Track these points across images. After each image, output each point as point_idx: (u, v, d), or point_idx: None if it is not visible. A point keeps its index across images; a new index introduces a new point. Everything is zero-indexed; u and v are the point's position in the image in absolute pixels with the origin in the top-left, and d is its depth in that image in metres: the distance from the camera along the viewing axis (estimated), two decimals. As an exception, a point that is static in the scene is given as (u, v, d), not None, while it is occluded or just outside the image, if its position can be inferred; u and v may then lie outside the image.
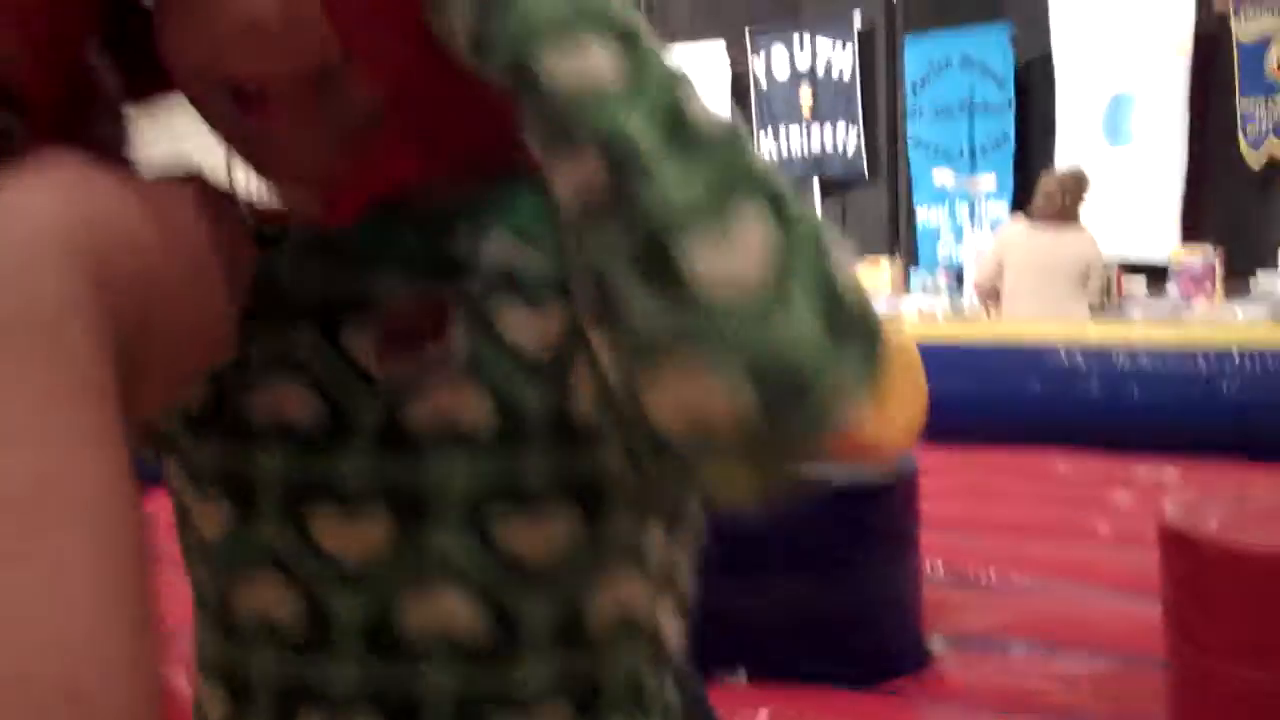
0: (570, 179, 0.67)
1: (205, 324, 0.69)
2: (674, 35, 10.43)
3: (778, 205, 0.67)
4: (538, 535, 0.81)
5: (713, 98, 9.73)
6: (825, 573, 3.23)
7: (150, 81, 0.80)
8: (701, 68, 10.24)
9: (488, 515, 0.81)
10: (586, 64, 0.66)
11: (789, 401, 0.64)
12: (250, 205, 0.85)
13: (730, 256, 0.64)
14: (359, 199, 0.80)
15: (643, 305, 0.65)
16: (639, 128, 0.66)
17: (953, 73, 9.54)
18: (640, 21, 0.70)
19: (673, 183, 0.65)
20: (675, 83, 0.69)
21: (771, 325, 0.63)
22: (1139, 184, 8.83)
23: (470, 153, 0.74)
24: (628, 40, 0.68)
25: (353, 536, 0.83)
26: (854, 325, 0.66)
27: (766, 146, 10.20)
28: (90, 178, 0.62)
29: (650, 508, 0.85)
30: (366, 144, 0.76)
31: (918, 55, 9.69)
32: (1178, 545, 2.81)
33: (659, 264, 0.65)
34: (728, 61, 10.24)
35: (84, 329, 0.55)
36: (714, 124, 0.69)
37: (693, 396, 0.64)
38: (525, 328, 0.80)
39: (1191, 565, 2.75)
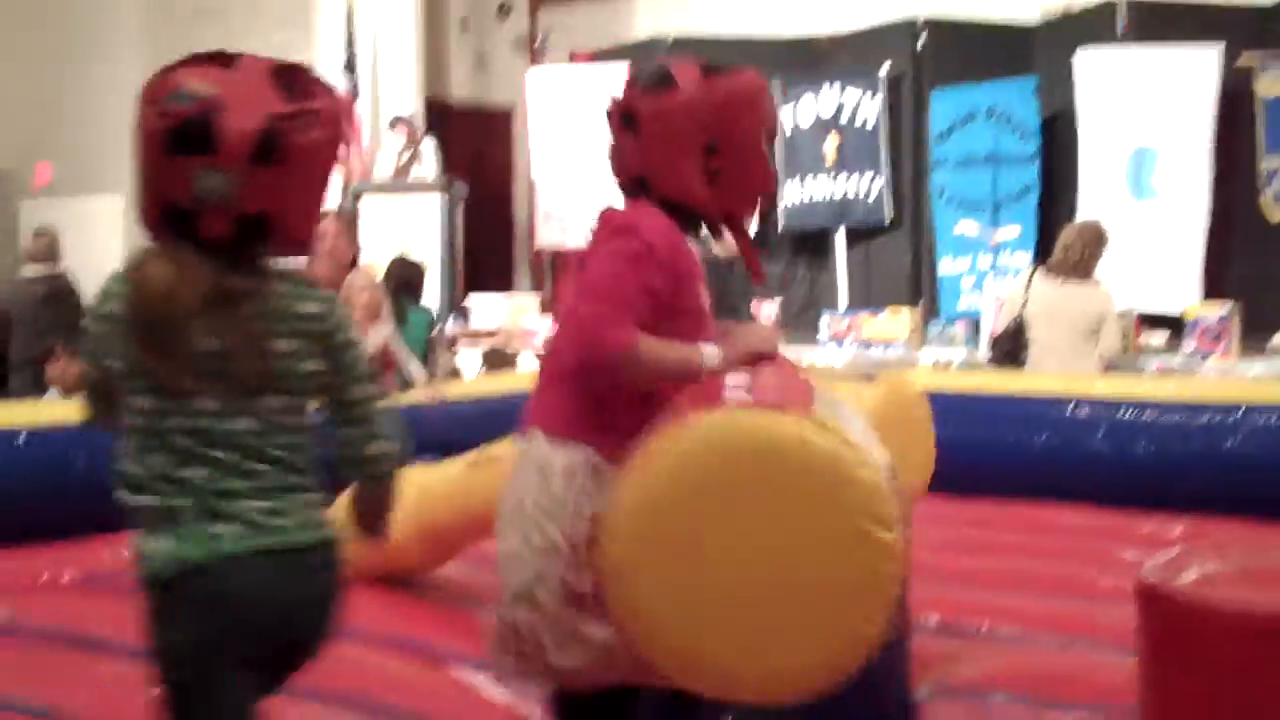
0: None
1: None
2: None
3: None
4: None
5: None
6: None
7: None
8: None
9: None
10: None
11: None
12: None
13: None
14: None
15: None
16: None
17: (977, 125, 9.60)
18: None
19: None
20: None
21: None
22: (1161, 238, 8.86)
23: None
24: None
25: None
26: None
27: (791, 193, 10.28)
28: None
29: None
30: None
31: (944, 106, 9.76)
32: (1149, 599, 2.83)
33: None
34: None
35: None
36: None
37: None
38: None
39: (1160, 621, 2.78)
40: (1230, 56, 8.74)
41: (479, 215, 11.37)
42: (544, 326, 9.30)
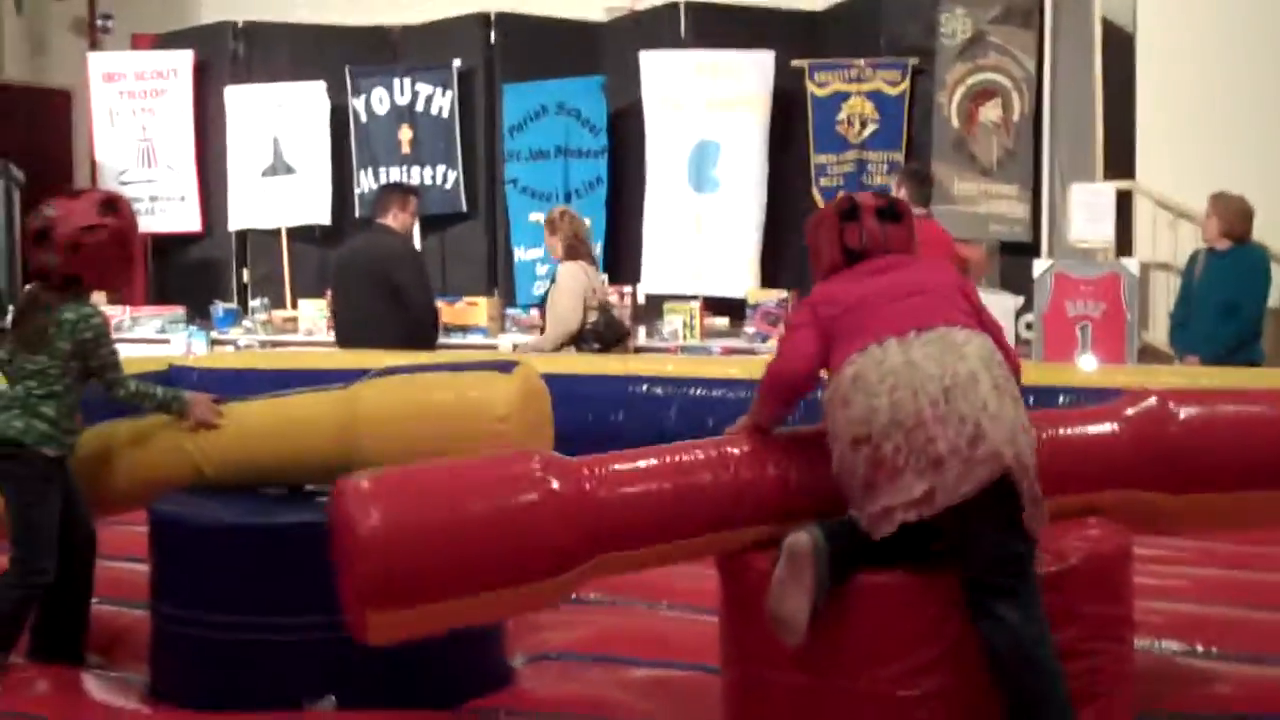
0: None
1: None
2: (275, 76, 10.42)
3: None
4: None
5: (313, 135, 9.72)
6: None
7: None
8: (302, 106, 10.23)
9: None
10: None
11: None
12: None
13: None
14: None
15: None
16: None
17: (549, 119, 9.87)
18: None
19: None
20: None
21: None
22: (723, 228, 9.35)
23: None
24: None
25: None
26: None
27: (365, 182, 10.26)
28: None
29: None
30: None
31: (516, 101, 9.98)
32: (730, 565, 3.06)
33: None
34: (327, 102, 10.26)
35: None
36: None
37: None
38: None
39: (742, 585, 3.00)
40: (782, 60, 9.31)
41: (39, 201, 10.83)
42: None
